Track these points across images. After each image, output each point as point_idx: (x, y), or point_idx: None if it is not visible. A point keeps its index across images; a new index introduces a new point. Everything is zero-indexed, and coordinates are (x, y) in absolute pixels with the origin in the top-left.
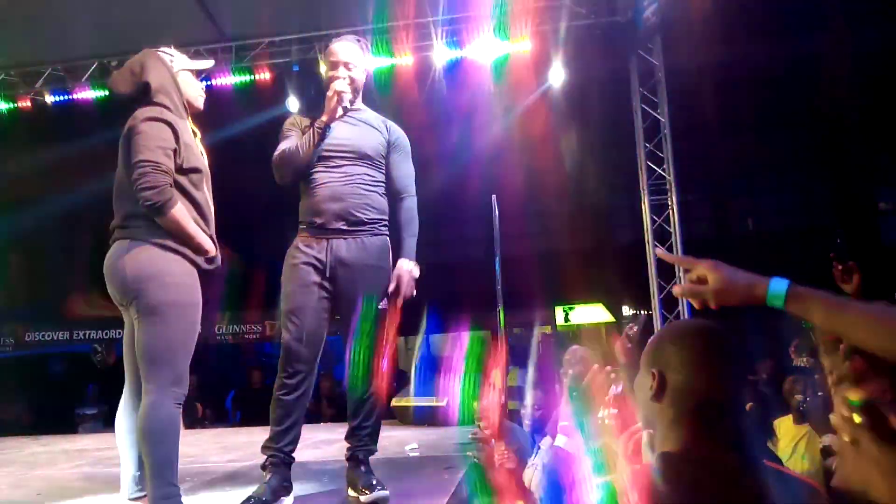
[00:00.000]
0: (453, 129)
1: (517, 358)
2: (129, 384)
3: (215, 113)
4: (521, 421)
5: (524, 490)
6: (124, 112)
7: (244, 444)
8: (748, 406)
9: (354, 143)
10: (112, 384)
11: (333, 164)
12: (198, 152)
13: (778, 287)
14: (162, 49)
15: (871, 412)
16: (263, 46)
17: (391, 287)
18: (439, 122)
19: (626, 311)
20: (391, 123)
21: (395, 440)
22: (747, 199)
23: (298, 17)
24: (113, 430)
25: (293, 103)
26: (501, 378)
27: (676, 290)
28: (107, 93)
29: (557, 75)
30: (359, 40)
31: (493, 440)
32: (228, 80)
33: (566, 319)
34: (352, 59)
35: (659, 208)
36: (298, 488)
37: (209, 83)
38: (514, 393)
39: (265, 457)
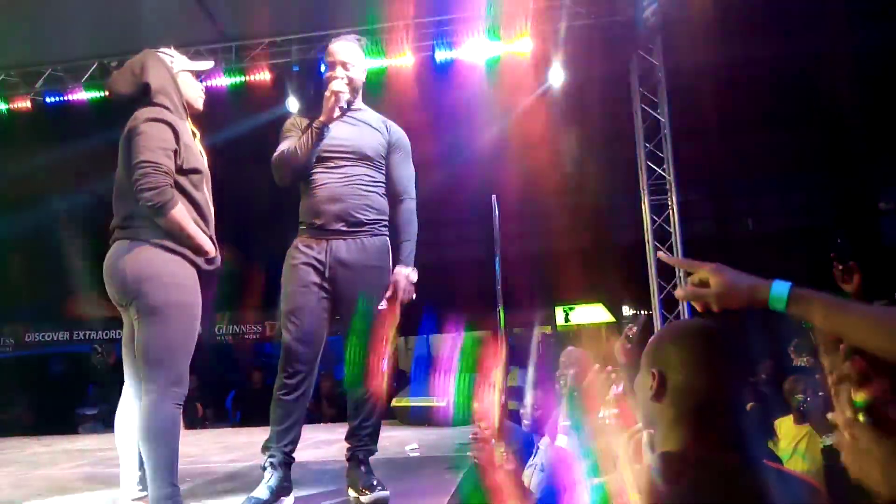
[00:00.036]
0: (454, 130)
1: (517, 358)
2: (129, 384)
3: (216, 113)
4: (521, 421)
5: (524, 490)
6: (124, 112)
7: (244, 445)
8: (749, 406)
9: (354, 143)
10: (112, 384)
11: (333, 165)
12: (198, 153)
13: (780, 290)
14: (162, 50)
15: (874, 412)
16: (263, 47)
17: (388, 293)
18: (440, 123)
19: (627, 311)
20: (392, 124)
21: (395, 440)
22: (747, 199)
23: (298, 18)
24: (113, 430)
25: (293, 104)
26: (501, 378)
27: (679, 293)
28: (107, 93)
29: (557, 75)
30: (359, 39)
31: (492, 440)
32: (229, 80)
33: (566, 319)
34: (350, 59)
35: (659, 208)
36: (299, 489)
37: (209, 83)
38: (515, 393)
39: (265, 457)
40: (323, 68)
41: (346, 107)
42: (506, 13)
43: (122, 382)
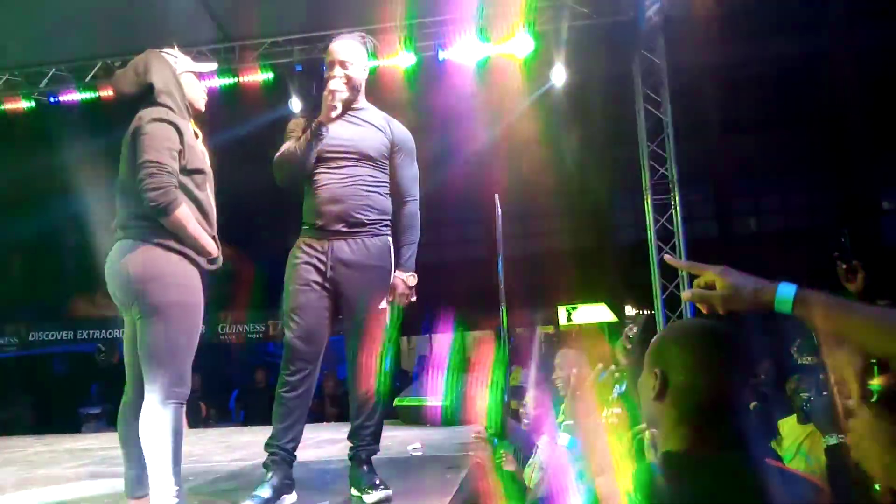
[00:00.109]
0: (456, 129)
1: (520, 358)
2: (131, 384)
3: (218, 113)
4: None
5: (524, 490)
6: (126, 112)
7: (248, 444)
8: (752, 405)
9: (356, 143)
10: (115, 383)
11: (335, 166)
12: (201, 153)
13: (785, 292)
14: (165, 50)
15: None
16: (266, 47)
17: (389, 297)
18: (442, 122)
19: (629, 310)
20: (395, 123)
21: (397, 440)
22: (750, 199)
23: (301, 18)
24: (116, 430)
25: (296, 104)
26: (504, 378)
27: (685, 294)
28: (111, 92)
29: (560, 75)
30: (364, 37)
31: (493, 440)
32: (231, 80)
33: (569, 319)
34: (349, 58)
35: (662, 208)
36: (302, 488)
37: (211, 84)
38: (517, 393)
39: (267, 454)
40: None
41: (338, 106)
42: (515, 12)
43: (125, 382)
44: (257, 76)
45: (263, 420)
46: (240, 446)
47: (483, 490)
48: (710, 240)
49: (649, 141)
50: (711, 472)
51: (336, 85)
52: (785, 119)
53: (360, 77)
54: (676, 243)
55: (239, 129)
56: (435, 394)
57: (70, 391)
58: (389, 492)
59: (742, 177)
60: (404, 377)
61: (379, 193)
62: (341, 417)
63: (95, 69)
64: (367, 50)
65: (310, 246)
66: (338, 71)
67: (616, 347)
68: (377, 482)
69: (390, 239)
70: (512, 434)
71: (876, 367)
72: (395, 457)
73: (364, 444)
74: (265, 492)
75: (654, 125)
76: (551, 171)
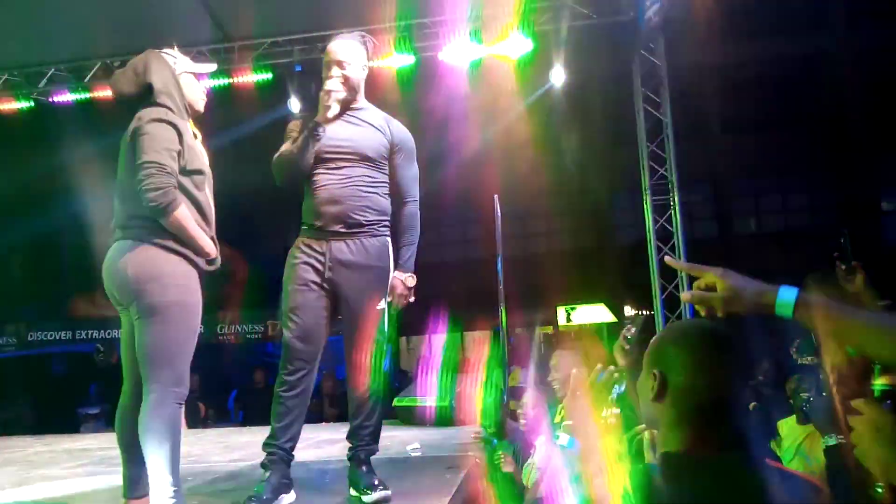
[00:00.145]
0: (455, 129)
1: (519, 358)
2: (129, 384)
3: (218, 113)
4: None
5: (522, 490)
6: (126, 112)
7: (246, 444)
8: (751, 406)
9: (354, 144)
10: (114, 384)
11: (334, 166)
12: (200, 154)
13: (787, 296)
14: (165, 51)
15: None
16: (266, 47)
17: (388, 297)
18: (442, 122)
19: (629, 311)
20: (395, 123)
21: (396, 440)
22: (749, 199)
23: (300, 18)
24: (114, 430)
25: (295, 104)
26: (503, 378)
27: (685, 296)
28: (111, 92)
29: (560, 75)
30: (364, 36)
31: (492, 441)
32: (231, 80)
33: (568, 319)
34: (346, 58)
35: (661, 208)
36: (301, 488)
37: (210, 83)
38: (517, 393)
39: (265, 454)
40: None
41: (333, 106)
42: (514, 12)
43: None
44: (257, 76)
45: (262, 420)
46: (238, 446)
47: (482, 490)
48: (709, 240)
49: (649, 141)
50: (710, 473)
51: (332, 85)
52: (785, 119)
53: (359, 77)
54: (676, 244)
55: (238, 128)
56: (429, 394)
57: (69, 391)
58: (388, 492)
59: (742, 177)
60: (404, 377)
61: (378, 194)
62: (340, 418)
63: (95, 69)
64: (368, 49)
65: (308, 246)
66: (335, 71)
67: (614, 348)
68: (376, 482)
69: (389, 239)
70: (510, 434)
71: (877, 368)
72: (394, 457)
73: (363, 445)
74: (263, 491)
75: (654, 126)
76: (551, 172)
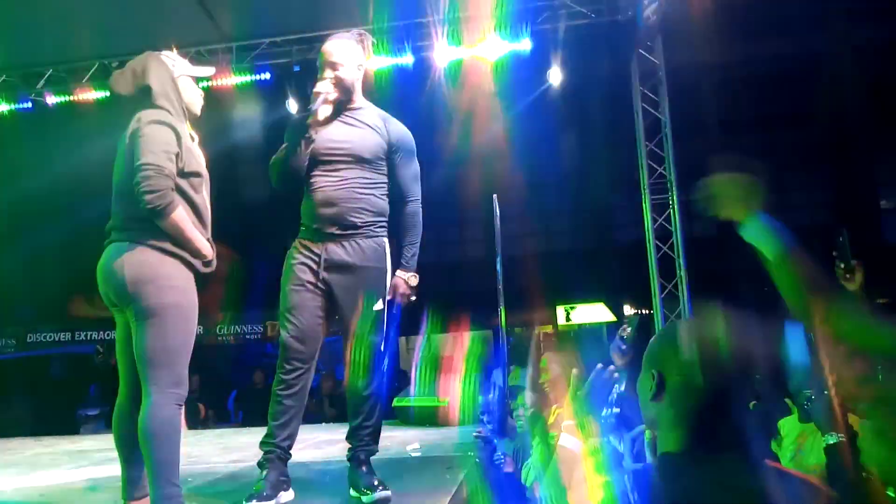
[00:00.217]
0: (454, 130)
1: (519, 357)
2: (125, 385)
3: (216, 113)
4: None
5: (523, 490)
6: (125, 113)
7: (246, 445)
8: (751, 405)
9: (350, 146)
10: (114, 385)
11: (331, 168)
12: (198, 156)
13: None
14: (163, 53)
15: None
16: (264, 47)
17: (388, 296)
18: (440, 123)
19: (628, 310)
20: (393, 122)
21: (396, 440)
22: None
23: (299, 18)
24: None
25: (293, 104)
26: (503, 378)
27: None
28: (108, 94)
29: (558, 75)
30: (360, 34)
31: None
32: (229, 80)
33: (567, 319)
34: (340, 59)
35: (660, 207)
36: (300, 489)
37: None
38: (517, 392)
39: (263, 452)
40: None
41: (322, 108)
42: (512, 11)
43: None
44: (255, 76)
45: (262, 421)
46: (238, 447)
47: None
48: (708, 239)
49: (647, 140)
50: (710, 474)
51: (322, 87)
52: (784, 118)
53: (353, 77)
54: (675, 242)
55: (236, 129)
56: (447, 394)
57: (68, 393)
58: (388, 492)
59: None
60: (403, 377)
61: (374, 195)
62: (340, 418)
63: (93, 70)
64: (364, 48)
65: (305, 247)
66: (327, 73)
67: (611, 348)
68: (376, 483)
69: (386, 240)
70: (511, 434)
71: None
72: (394, 457)
73: (363, 445)
74: (262, 489)
75: (652, 125)
76: (549, 171)
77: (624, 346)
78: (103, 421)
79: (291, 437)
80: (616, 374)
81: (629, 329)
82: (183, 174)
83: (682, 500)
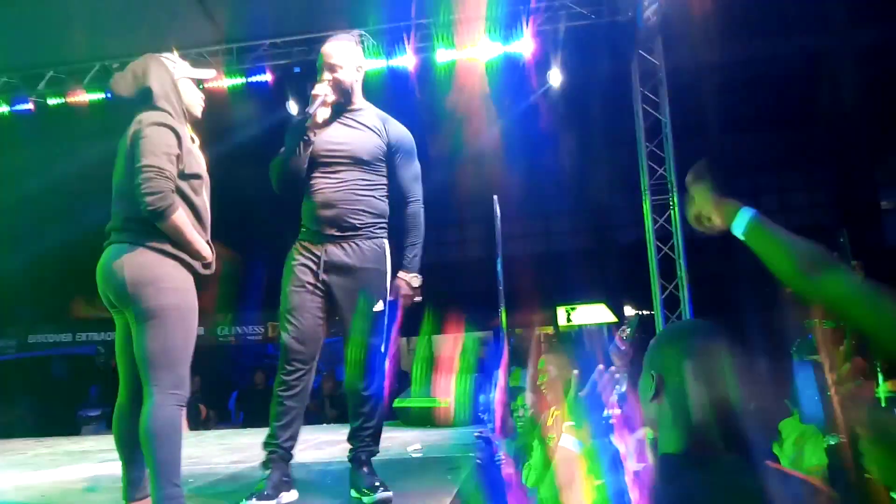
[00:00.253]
0: (454, 130)
1: (520, 358)
2: (125, 386)
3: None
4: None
5: (524, 490)
6: (125, 115)
7: (247, 445)
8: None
9: (349, 147)
10: (115, 386)
11: (330, 170)
12: (198, 158)
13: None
14: (164, 55)
15: None
16: (265, 48)
17: (389, 297)
18: (440, 123)
19: (629, 310)
20: (392, 123)
21: (397, 441)
22: (749, 199)
23: (299, 19)
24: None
25: (293, 106)
26: (503, 378)
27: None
28: (108, 96)
29: (558, 76)
30: (360, 35)
31: (494, 441)
32: (229, 82)
33: (568, 319)
34: (338, 61)
35: (660, 208)
36: (301, 489)
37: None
38: (517, 393)
39: (265, 453)
40: None
41: (318, 111)
42: (512, 13)
43: None
44: (255, 78)
45: (263, 422)
46: (239, 448)
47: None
48: (709, 239)
49: (648, 141)
50: (709, 475)
51: (319, 89)
52: (784, 118)
53: (351, 79)
54: (675, 243)
55: (237, 130)
56: (448, 395)
57: (69, 393)
58: (389, 493)
59: (741, 177)
60: (404, 378)
61: (374, 196)
62: (341, 418)
63: (93, 71)
64: (364, 49)
65: (305, 248)
66: (325, 75)
67: (610, 349)
68: (377, 483)
69: (386, 241)
70: (511, 434)
71: (881, 373)
72: (395, 458)
73: (363, 446)
74: (265, 488)
75: (653, 126)
76: (550, 172)
77: (623, 347)
78: (104, 422)
79: (294, 438)
80: (618, 376)
81: (628, 330)
82: (183, 176)
83: (682, 501)
